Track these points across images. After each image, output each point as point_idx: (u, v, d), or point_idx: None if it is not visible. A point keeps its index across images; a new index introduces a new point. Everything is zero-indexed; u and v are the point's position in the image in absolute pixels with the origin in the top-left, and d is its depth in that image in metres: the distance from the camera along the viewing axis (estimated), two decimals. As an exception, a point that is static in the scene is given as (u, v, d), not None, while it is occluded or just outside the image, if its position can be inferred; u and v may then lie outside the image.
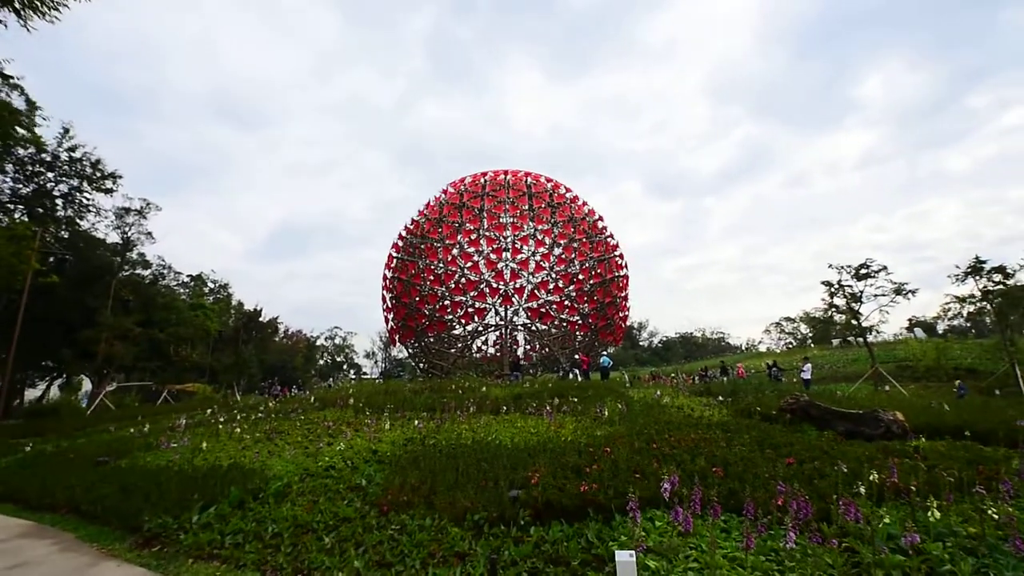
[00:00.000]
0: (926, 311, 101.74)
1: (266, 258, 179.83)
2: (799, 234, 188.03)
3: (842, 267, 24.40)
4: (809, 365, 21.68)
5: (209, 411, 16.65)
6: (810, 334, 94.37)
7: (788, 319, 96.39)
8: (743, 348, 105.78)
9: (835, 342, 45.17)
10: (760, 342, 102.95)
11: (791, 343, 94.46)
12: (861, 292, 24.37)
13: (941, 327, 78.18)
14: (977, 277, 23.46)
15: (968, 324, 78.71)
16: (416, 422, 11.29)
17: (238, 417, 14.54)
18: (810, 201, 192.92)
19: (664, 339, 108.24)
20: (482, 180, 33.13)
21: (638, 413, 11.96)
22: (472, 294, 31.22)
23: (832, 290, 24.99)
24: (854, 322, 24.89)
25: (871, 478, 5.72)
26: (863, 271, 23.89)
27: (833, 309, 25.69)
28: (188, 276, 54.24)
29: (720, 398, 14.80)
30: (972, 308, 24.12)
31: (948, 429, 9.66)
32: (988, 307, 24.62)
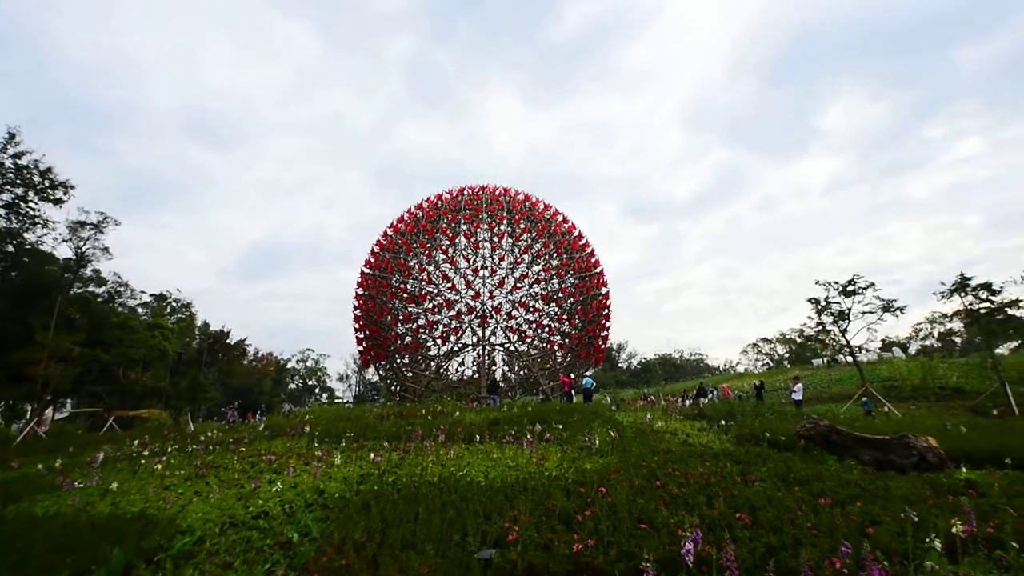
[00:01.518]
0: (897, 332, 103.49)
1: (242, 278, 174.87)
2: (771, 256, 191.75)
3: (829, 283, 23.69)
4: (800, 385, 20.68)
5: (137, 442, 14.57)
6: (786, 355, 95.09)
7: (765, 340, 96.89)
8: (721, 369, 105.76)
9: (821, 361, 44.64)
10: (738, 363, 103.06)
11: (768, 364, 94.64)
12: (849, 310, 23.63)
13: (913, 347, 79.23)
14: (963, 294, 22.95)
15: (939, 344, 79.92)
16: (373, 455, 9.60)
17: (169, 449, 12.59)
18: (781, 224, 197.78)
19: (643, 360, 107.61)
20: (459, 196, 31.96)
21: (631, 441, 10.54)
22: (449, 313, 29.69)
23: (819, 307, 24.18)
24: (842, 340, 24.06)
25: (954, 529, 4.34)
26: (850, 288, 23.19)
27: (820, 327, 24.79)
28: (151, 295, 51.50)
29: (720, 422, 13.55)
30: (957, 326, 23.52)
31: (983, 455, 8.45)
32: (972, 325, 24.10)
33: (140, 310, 48.96)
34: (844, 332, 23.99)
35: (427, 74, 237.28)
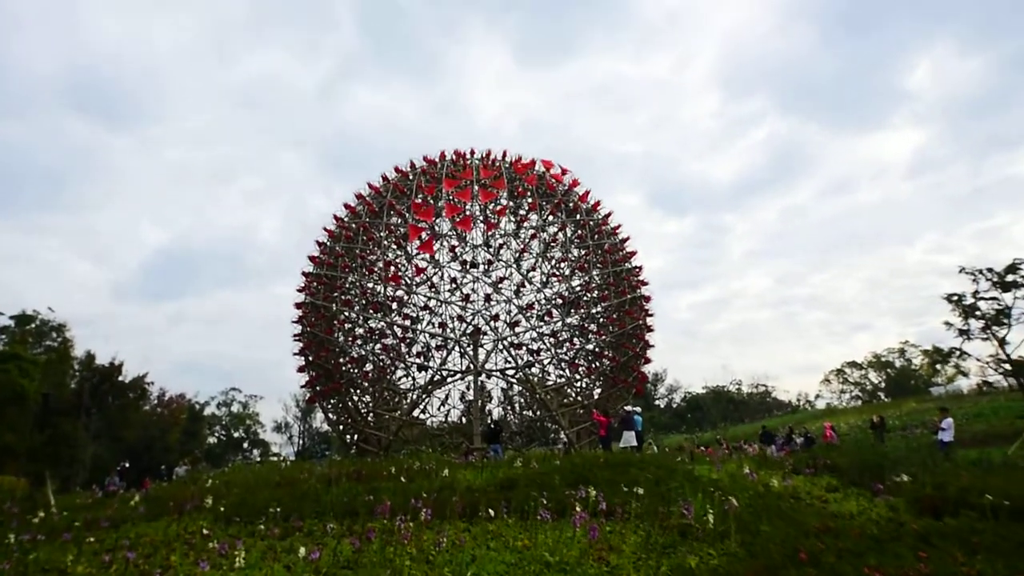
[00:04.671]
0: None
1: (144, 296, 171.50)
2: (844, 257, 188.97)
3: (978, 272, 21.75)
4: (950, 421, 19.21)
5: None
6: (881, 383, 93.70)
7: (853, 365, 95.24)
8: (794, 404, 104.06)
9: (942, 390, 42.79)
10: (817, 396, 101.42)
11: (859, 396, 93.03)
12: (1009, 308, 21.64)
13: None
14: None
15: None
16: (303, 551, 7.36)
17: None
18: (855, 216, 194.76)
19: (688, 395, 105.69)
20: (439, 162, 30.22)
21: (748, 513, 8.53)
22: (430, 325, 27.84)
23: (965, 308, 22.23)
24: (1000, 353, 22.10)
25: None
26: (1011, 277, 21.22)
27: (964, 336, 22.86)
28: (9, 317, 49.29)
29: (854, 478, 11.84)
30: None
31: None
32: None
33: (-5, 337, 46.76)
34: (1003, 343, 22.02)
35: (387, 21, 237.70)
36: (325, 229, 29.46)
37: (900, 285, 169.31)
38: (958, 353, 24.71)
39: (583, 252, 29.10)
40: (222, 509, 11.31)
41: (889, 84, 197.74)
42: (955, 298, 23.32)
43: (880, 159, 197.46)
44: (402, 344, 28.37)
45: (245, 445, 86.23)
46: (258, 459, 72.69)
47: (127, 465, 31.85)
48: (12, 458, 38.05)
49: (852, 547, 6.57)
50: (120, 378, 60.12)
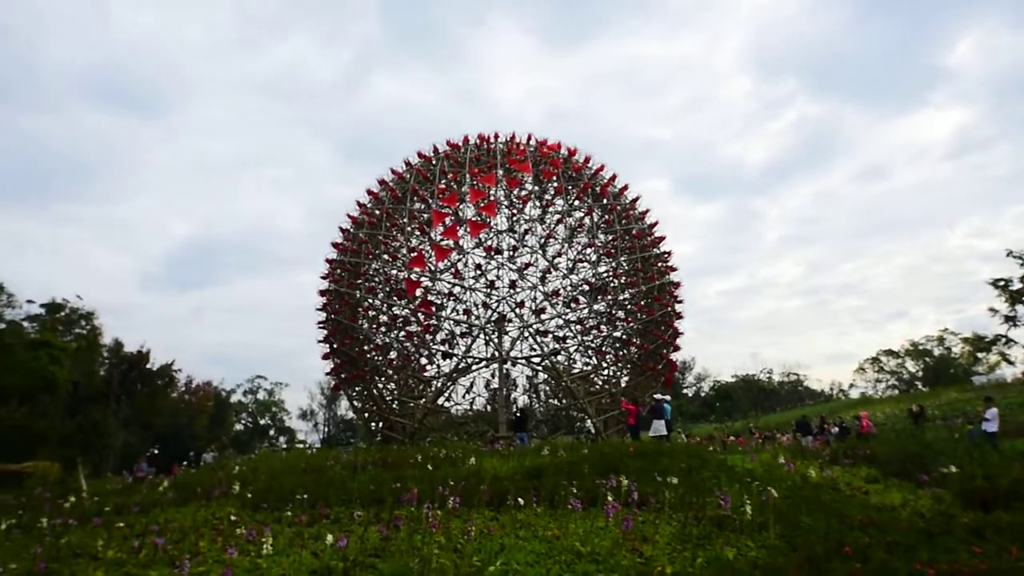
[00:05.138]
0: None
1: (170, 286, 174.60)
2: (879, 243, 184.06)
3: (1028, 255, 21.09)
4: (995, 411, 18.56)
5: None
6: (919, 372, 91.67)
7: (889, 353, 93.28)
8: (826, 394, 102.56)
9: (983, 379, 41.67)
10: (851, 385, 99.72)
11: (895, 385, 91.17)
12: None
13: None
14: None
15: None
16: (330, 538, 7.36)
17: (8, 529, 10.66)
18: (892, 200, 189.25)
19: (717, 384, 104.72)
20: (463, 147, 30.07)
21: (786, 504, 8.35)
22: (453, 314, 27.87)
23: (1012, 293, 21.61)
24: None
25: None
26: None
27: (1010, 323, 22.24)
28: (40, 306, 50.46)
29: (893, 468, 11.63)
30: None
31: None
32: None
33: (27, 325, 47.92)
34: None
35: (409, 9, 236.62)
36: (348, 216, 29.54)
37: (939, 271, 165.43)
38: (1003, 340, 24.02)
39: (610, 237, 28.80)
40: (249, 495, 11.46)
41: (927, 62, 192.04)
42: (1001, 283, 22.72)
43: (918, 141, 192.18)
44: (426, 332, 28.44)
45: (271, 432, 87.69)
46: (284, 446, 73.92)
47: (156, 452, 32.52)
48: (44, 444, 39.08)
49: (900, 541, 6.36)
50: (148, 366, 61.29)
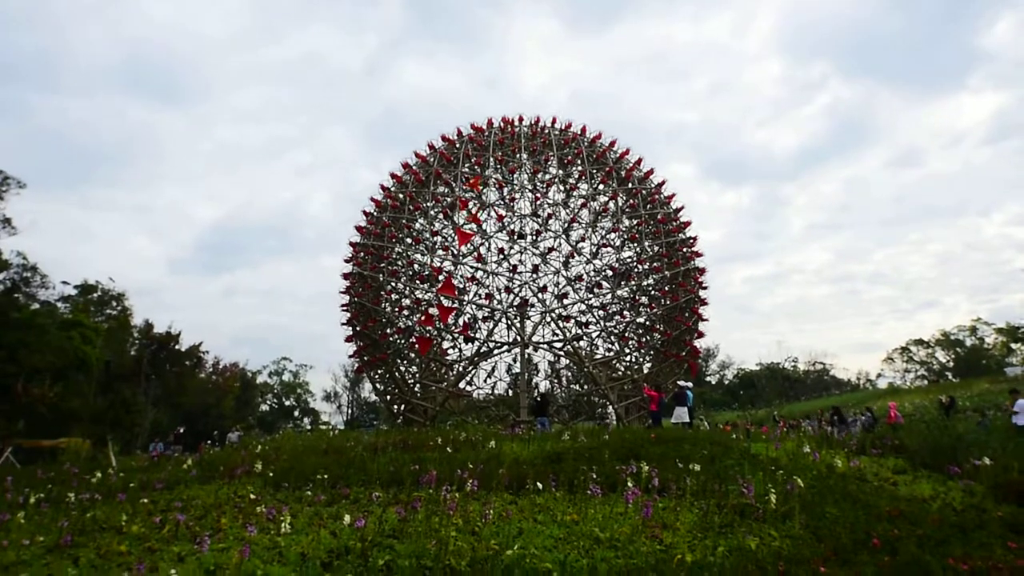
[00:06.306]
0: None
1: (199, 269, 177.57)
2: (912, 231, 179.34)
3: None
4: (1022, 403, 18.04)
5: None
6: (950, 362, 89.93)
7: (920, 343, 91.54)
8: (853, 384, 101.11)
9: (1019, 371, 40.67)
10: (879, 375, 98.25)
11: (924, 376, 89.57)
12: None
13: None
14: None
15: None
16: (348, 518, 7.38)
17: (33, 500, 10.84)
18: (926, 187, 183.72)
19: (741, 372, 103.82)
20: (487, 130, 29.88)
21: (811, 494, 8.15)
22: (475, 297, 27.82)
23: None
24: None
25: None
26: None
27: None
28: (74, 287, 51.54)
29: (924, 460, 11.31)
30: None
31: None
32: None
33: (60, 306, 49.00)
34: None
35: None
36: (372, 199, 29.56)
37: (974, 260, 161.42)
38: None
39: (635, 222, 28.46)
40: (271, 475, 11.59)
41: (964, 44, 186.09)
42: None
43: (953, 126, 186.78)
44: (447, 315, 28.50)
45: (296, 413, 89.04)
46: (308, 427, 74.99)
47: (182, 430, 33.10)
48: (77, 422, 40.07)
49: (931, 534, 6.16)
50: (177, 347, 62.47)
